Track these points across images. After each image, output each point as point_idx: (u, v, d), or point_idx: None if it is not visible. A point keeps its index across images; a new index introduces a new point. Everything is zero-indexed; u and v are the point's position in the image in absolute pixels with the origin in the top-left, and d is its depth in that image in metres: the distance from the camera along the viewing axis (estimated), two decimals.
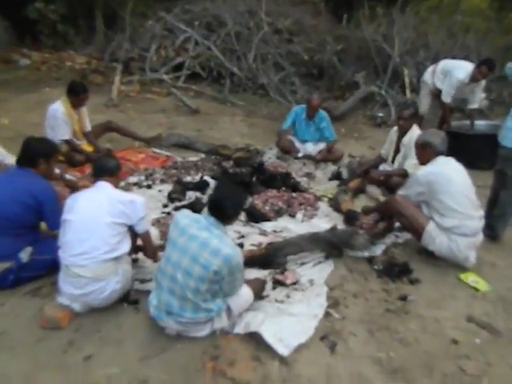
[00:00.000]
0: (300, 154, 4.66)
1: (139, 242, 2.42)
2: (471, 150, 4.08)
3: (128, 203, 2.21)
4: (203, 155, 4.64)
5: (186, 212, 2.11)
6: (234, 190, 2.05)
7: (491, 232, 3.19)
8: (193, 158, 4.57)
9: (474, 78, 4.76)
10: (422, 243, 2.94)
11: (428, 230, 2.84)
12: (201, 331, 2.13)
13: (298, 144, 4.73)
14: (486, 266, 2.99)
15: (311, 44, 7.75)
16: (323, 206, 3.77)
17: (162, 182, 4.01)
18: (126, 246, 2.25)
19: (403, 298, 2.60)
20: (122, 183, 3.86)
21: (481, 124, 5.16)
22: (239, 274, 2.01)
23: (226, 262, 1.90)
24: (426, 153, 2.93)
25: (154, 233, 2.67)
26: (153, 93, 6.98)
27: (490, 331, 2.38)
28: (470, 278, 2.82)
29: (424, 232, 2.86)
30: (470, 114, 5.08)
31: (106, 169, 2.28)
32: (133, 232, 2.32)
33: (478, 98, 5.07)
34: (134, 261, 2.60)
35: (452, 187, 2.76)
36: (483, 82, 4.96)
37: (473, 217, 2.80)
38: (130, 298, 2.38)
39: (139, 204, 2.24)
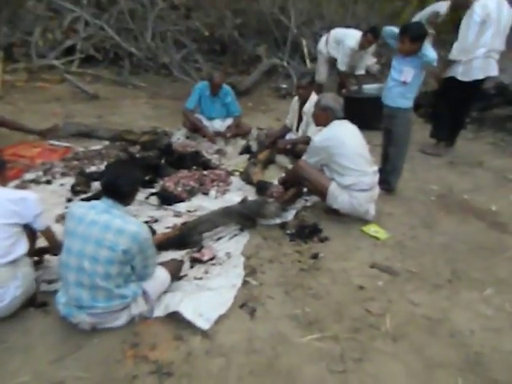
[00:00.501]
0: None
1: (42, 243, 2.27)
2: (365, 113, 4.38)
3: (18, 201, 2.05)
4: (107, 143, 4.43)
5: (80, 203, 2.06)
6: (127, 168, 2.05)
7: (386, 186, 3.51)
8: (96, 146, 4.35)
9: (362, 46, 5.08)
10: (327, 203, 3.14)
11: (331, 190, 3.04)
12: (117, 320, 2.08)
13: (205, 122, 4.70)
14: (384, 216, 3.30)
15: (210, 19, 7.62)
16: (235, 180, 3.82)
17: (64, 175, 3.76)
18: (23, 247, 2.10)
19: (315, 257, 2.77)
20: (17, 181, 3.55)
21: (373, 87, 5.55)
22: (150, 251, 2.01)
23: (133, 240, 1.90)
24: (326, 116, 3.08)
25: (60, 230, 2.50)
26: (43, 80, 6.41)
27: (390, 273, 2.65)
28: (372, 229, 3.09)
29: (327, 192, 3.05)
30: (358, 79, 5.45)
31: None
32: (31, 231, 2.16)
33: (365, 64, 5.46)
34: (38, 262, 2.43)
35: (347, 149, 2.96)
36: (371, 49, 5.33)
37: (368, 173, 3.05)
38: (36, 302, 2.23)
39: (31, 200, 2.08)
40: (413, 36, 3.16)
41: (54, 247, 2.27)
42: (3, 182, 2.15)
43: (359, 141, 3.08)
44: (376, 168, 3.14)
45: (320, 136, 3.06)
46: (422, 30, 3.20)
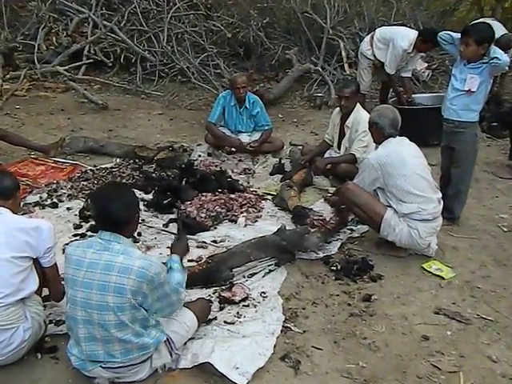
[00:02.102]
0: (233, 149, 4.69)
1: None
2: (417, 126, 4.35)
3: (32, 231, 2.07)
4: (118, 160, 4.53)
5: (77, 242, 2.06)
6: (118, 189, 2.05)
7: (449, 214, 3.44)
8: (106, 164, 4.44)
9: (418, 49, 5.08)
10: (380, 234, 3.09)
11: (386, 219, 3.00)
12: (139, 374, 2.05)
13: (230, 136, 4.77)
14: (448, 250, 3.22)
15: (233, 19, 7.80)
16: (267, 205, 3.83)
17: (71, 197, 3.83)
18: (34, 283, 2.11)
19: (367, 299, 2.71)
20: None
21: (425, 97, 5.53)
22: (167, 287, 1.99)
23: (141, 278, 1.87)
24: (375, 133, 3.09)
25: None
26: (47, 89, 6.65)
27: (459, 321, 2.56)
28: (434, 267, 3.02)
29: (382, 221, 3.01)
30: (402, 83, 5.38)
31: (0, 191, 2.12)
32: (40, 264, 2.18)
33: (412, 68, 5.45)
34: (46, 299, 2.44)
35: (408, 169, 2.93)
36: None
37: (431, 200, 3.00)
38: (44, 346, 2.24)
39: (47, 231, 2.10)
40: (479, 38, 3.14)
41: (55, 291, 2.27)
42: (15, 208, 2.18)
43: (422, 161, 3.05)
44: (441, 194, 3.10)
45: (376, 153, 3.05)
46: (489, 30, 3.19)
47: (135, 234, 3.22)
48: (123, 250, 1.91)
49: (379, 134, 3.05)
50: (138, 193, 3.89)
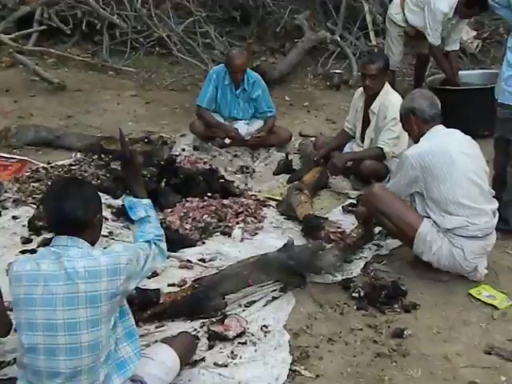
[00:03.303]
0: (227, 140, 4.71)
1: None
2: (463, 112, 4.38)
3: None
4: (79, 155, 4.55)
5: (24, 257, 2.14)
6: (74, 184, 2.13)
7: (503, 224, 3.39)
8: (63, 160, 4.47)
9: (460, 15, 5.11)
10: (414, 251, 3.11)
11: (421, 233, 3.00)
12: None
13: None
14: (502, 272, 3.22)
15: None
16: (270, 213, 3.84)
17: (18, 203, 3.84)
18: None
19: (398, 335, 2.71)
20: None
21: (473, 74, 5.56)
22: (145, 266, 2.15)
23: (115, 274, 1.97)
24: (411, 124, 3.11)
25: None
26: None
27: None
28: (484, 293, 3.01)
29: (416, 236, 3.02)
30: (449, 59, 5.37)
31: None
32: None
33: (458, 38, 5.47)
34: None
35: (456, 171, 2.92)
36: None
37: (484, 212, 2.98)
38: None
39: None
40: None
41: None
42: None
43: (478, 162, 3.04)
44: (497, 205, 3.08)
45: (417, 147, 3.07)
46: None
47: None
48: (82, 254, 1.97)
49: (419, 123, 3.06)
50: (104, 197, 3.90)
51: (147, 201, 2.36)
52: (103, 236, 3.40)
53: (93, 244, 2.10)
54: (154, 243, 2.25)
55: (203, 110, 4.74)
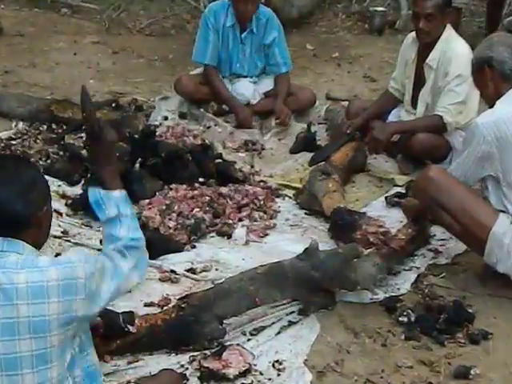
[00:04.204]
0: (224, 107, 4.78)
1: None
2: None
3: None
4: (21, 125, 4.58)
5: None
6: (6, 166, 2.06)
7: None
8: (1, 131, 4.52)
9: None
10: (485, 259, 3.11)
11: (496, 233, 3.01)
12: None
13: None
14: None
15: None
16: (286, 206, 3.87)
17: None
18: None
19: (462, 374, 2.70)
20: None
21: None
22: (106, 289, 2.08)
23: (69, 293, 1.91)
24: (485, 81, 3.11)
25: None
26: None
27: None
28: None
29: (488, 238, 3.02)
30: None
31: None
32: None
33: None
34: None
35: None
36: None
37: None
38: None
39: None
40: None
41: None
42: None
43: None
44: None
45: (490, 114, 3.06)
46: None
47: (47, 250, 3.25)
48: (24, 263, 1.94)
49: (496, 80, 3.05)
50: (55, 183, 3.93)
51: (120, 193, 2.25)
52: (55, 237, 3.45)
53: (38, 247, 2.08)
54: (129, 252, 2.20)
55: (214, 71, 4.79)
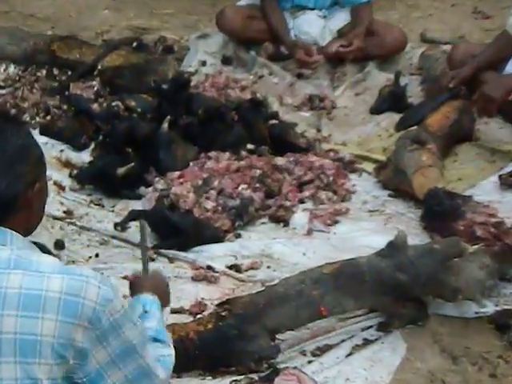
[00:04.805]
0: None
1: None
2: None
3: None
4: (13, 68, 4.64)
5: None
6: None
7: None
8: None
9: None
10: None
11: None
12: None
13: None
14: None
15: None
16: (363, 185, 3.88)
17: None
18: None
19: None
20: None
21: None
22: (134, 332, 2.00)
23: (73, 314, 1.89)
24: None
25: None
26: None
27: None
28: None
29: None
30: None
31: None
32: None
33: None
34: None
35: None
36: None
37: None
38: None
39: None
40: None
41: None
42: None
43: None
44: None
45: None
46: None
47: (50, 242, 3.28)
48: (17, 260, 1.93)
49: None
50: (57, 147, 3.97)
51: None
52: (54, 218, 3.49)
53: (29, 232, 2.08)
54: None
55: (271, 1, 4.79)
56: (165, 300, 2.50)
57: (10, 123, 2.17)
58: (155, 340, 2.21)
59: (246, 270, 3.32)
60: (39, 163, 2.06)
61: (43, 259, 1.97)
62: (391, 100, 4.47)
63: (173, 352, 2.26)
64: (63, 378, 1.90)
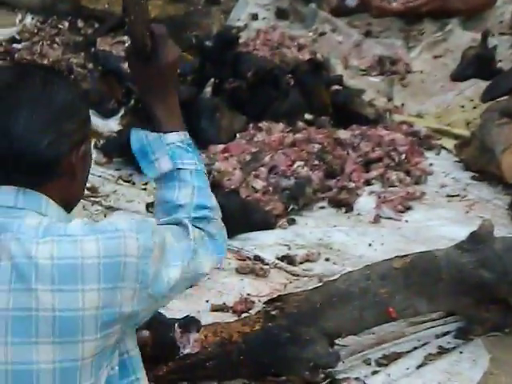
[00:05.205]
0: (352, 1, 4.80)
1: None
2: None
3: None
4: (30, 18, 4.73)
5: None
6: (24, 78, 2.02)
7: None
8: (6, 29, 4.71)
9: None
10: None
11: None
12: None
13: None
14: None
15: None
16: (442, 164, 3.90)
17: None
18: None
19: None
20: None
21: None
22: (167, 270, 2.02)
23: (113, 275, 1.90)
24: None
25: None
26: None
27: None
28: None
29: None
30: None
31: None
32: None
33: None
34: None
35: None
36: None
37: None
38: None
39: None
40: None
41: None
42: None
43: None
44: None
45: None
46: None
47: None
48: (47, 227, 1.94)
49: None
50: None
51: (180, 136, 2.14)
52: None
53: (69, 207, 2.11)
54: (196, 225, 2.13)
55: None
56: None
57: (59, 76, 2.16)
58: (197, 218, 2.12)
59: (301, 263, 3.33)
60: (87, 125, 2.06)
61: (73, 224, 1.97)
62: (477, 64, 4.46)
63: (215, 204, 2.17)
64: (110, 350, 1.99)
